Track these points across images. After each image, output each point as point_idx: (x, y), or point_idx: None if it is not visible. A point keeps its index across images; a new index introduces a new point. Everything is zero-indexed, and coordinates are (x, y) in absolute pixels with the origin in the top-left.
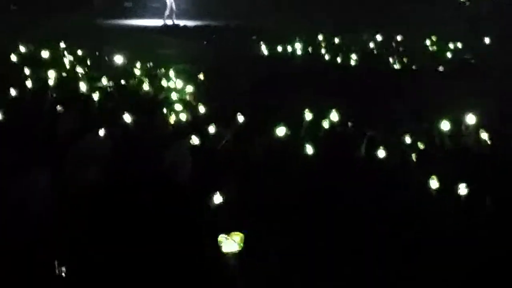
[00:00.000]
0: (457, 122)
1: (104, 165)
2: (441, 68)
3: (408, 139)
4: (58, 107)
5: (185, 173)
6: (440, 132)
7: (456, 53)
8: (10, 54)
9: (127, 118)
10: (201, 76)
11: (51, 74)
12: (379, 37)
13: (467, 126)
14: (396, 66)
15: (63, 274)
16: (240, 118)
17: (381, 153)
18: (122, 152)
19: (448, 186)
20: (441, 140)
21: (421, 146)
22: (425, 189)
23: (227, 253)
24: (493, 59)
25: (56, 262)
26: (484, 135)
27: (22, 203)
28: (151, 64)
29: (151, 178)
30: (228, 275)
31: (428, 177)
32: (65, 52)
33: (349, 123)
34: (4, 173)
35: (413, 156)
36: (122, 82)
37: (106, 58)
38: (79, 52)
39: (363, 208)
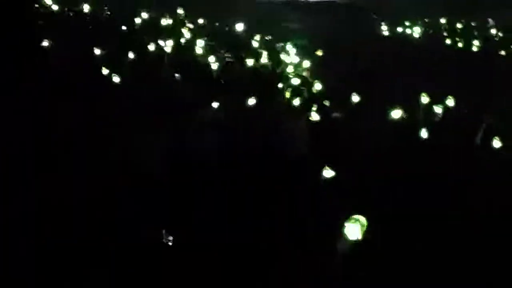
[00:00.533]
0: None
1: (219, 136)
2: None
3: None
4: (176, 75)
5: (299, 149)
6: None
7: None
8: (133, 19)
9: (244, 90)
10: (319, 53)
11: (170, 42)
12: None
13: None
14: None
15: (169, 241)
16: (355, 98)
17: (498, 143)
18: (237, 125)
19: None
20: None
21: None
22: None
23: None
24: None
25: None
26: None
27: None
28: (270, 37)
29: (265, 152)
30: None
31: None
32: (185, 20)
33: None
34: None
35: None
36: (241, 54)
37: (226, 28)
38: (200, 21)
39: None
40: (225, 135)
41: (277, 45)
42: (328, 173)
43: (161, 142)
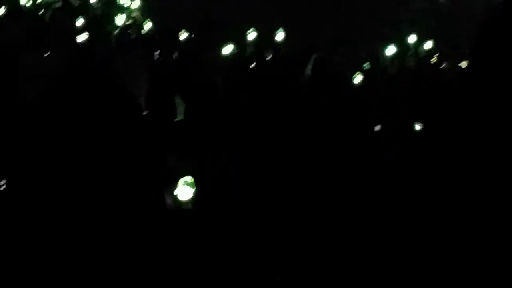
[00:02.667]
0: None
1: (50, 81)
2: None
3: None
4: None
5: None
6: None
7: None
8: None
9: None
10: None
11: None
12: None
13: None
14: None
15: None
16: (185, 35)
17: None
18: (67, 65)
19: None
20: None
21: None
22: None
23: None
24: None
25: None
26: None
27: None
28: None
29: (96, 92)
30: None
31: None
32: None
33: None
34: None
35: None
36: None
37: None
38: None
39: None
40: (55, 81)
41: None
42: None
43: None
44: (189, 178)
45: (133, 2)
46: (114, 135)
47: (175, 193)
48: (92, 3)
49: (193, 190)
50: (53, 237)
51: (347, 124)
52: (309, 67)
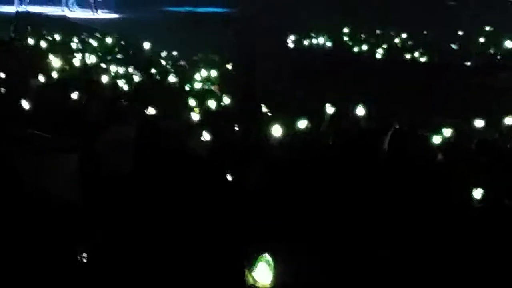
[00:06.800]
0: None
1: (129, 156)
2: (469, 63)
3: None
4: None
5: (207, 164)
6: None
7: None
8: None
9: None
10: (227, 66)
11: (76, 62)
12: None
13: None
14: (423, 60)
15: (84, 259)
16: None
17: (407, 149)
18: (147, 144)
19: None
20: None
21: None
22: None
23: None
24: None
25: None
26: None
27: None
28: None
29: (173, 171)
30: None
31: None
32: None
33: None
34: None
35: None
36: (148, 71)
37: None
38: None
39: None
40: (136, 154)
41: (183, 62)
42: None
43: (71, 163)
44: (269, 258)
45: (210, 73)
46: (195, 203)
47: (253, 273)
48: (169, 78)
49: (273, 272)
50: None
51: (423, 199)
52: (386, 140)
